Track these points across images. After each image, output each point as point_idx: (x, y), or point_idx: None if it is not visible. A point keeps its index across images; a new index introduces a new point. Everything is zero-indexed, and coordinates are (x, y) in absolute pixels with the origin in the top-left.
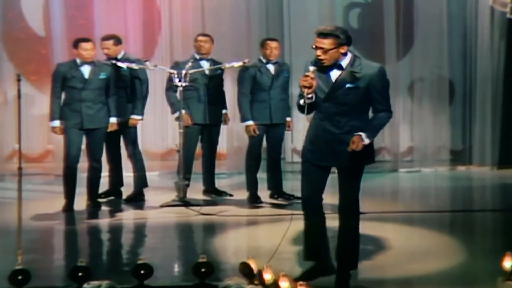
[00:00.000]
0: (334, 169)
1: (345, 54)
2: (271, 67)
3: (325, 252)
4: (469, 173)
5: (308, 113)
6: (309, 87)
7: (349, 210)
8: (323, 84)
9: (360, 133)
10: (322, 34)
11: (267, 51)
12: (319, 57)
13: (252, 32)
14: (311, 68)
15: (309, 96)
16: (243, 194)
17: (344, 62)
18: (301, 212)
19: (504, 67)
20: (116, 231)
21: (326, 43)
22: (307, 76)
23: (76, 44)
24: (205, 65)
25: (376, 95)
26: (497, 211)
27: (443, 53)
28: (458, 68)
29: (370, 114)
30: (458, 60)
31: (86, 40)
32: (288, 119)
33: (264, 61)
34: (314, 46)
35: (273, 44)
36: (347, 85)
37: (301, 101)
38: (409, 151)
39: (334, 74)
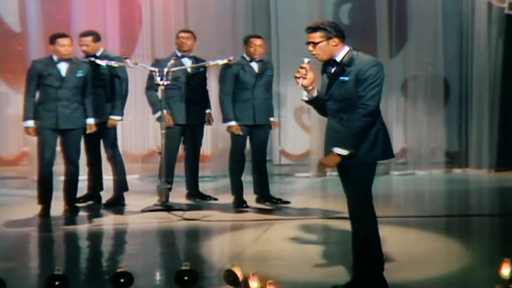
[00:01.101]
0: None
1: (340, 48)
2: (255, 65)
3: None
4: (466, 176)
5: (320, 113)
6: (303, 79)
7: (356, 212)
8: (326, 81)
9: (333, 149)
10: (310, 29)
11: (251, 48)
12: (311, 52)
13: (238, 29)
14: (306, 60)
15: (309, 88)
16: (228, 198)
17: (339, 57)
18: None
19: (502, 65)
20: (95, 237)
21: (314, 36)
22: (301, 67)
23: (52, 40)
24: (187, 62)
25: (360, 88)
26: (495, 216)
27: (438, 51)
28: (453, 66)
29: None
30: (454, 57)
31: (63, 35)
32: (272, 119)
33: (248, 59)
34: (307, 42)
35: (258, 42)
36: (339, 79)
37: (303, 97)
38: (403, 153)
39: (332, 70)
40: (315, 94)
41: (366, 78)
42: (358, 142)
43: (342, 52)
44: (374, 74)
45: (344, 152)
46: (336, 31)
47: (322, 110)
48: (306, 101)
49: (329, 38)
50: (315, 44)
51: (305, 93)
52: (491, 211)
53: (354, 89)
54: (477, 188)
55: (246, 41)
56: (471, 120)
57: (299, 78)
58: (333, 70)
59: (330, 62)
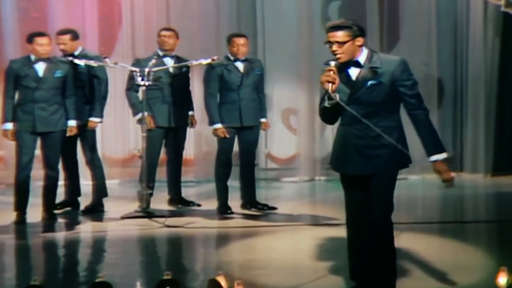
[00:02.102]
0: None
1: (361, 48)
2: (240, 65)
3: (368, 273)
4: (460, 181)
5: (334, 120)
6: (332, 83)
7: (381, 224)
8: (343, 85)
9: (433, 158)
10: (334, 27)
11: (233, 48)
12: (335, 52)
13: (222, 27)
14: (332, 63)
15: (333, 95)
16: (212, 204)
17: (362, 58)
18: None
19: (498, 65)
20: (72, 245)
21: (340, 35)
22: (330, 70)
23: (30, 38)
24: (169, 62)
25: (403, 89)
26: (491, 222)
27: (431, 50)
28: (448, 66)
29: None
30: (448, 57)
31: (41, 34)
32: (262, 120)
33: (232, 58)
34: (327, 41)
35: (240, 41)
36: (369, 83)
37: (326, 103)
38: None
39: (353, 72)
40: (338, 98)
41: (405, 76)
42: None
43: (363, 53)
44: (409, 71)
45: (443, 156)
46: (360, 30)
47: (336, 117)
48: (326, 108)
49: (354, 37)
50: (340, 43)
51: (327, 99)
52: (487, 218)
53: (390, 91)
54: (472, 194)
55: (229, 40)
56: (466, 122)
57: (329, 82)
58: (356, 72)
59: (349, 64)
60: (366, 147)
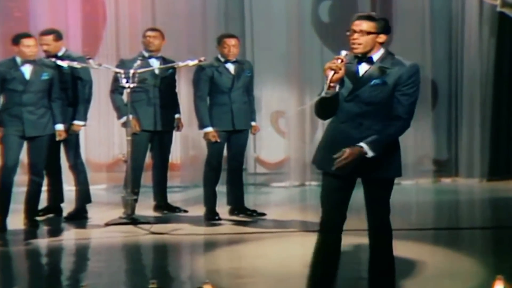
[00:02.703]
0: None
1: (379, 47)
2: (231, 67)
3: (334, 281)
4: (455, 186)
5: (328, 114)
6: (336, 72)
7: (382, 230)
8: (348, 80)
9: (362, 144)
10: (363, 17)
11: (224, 49)
12: (355, 41)
13: (209, 27)
14: (343, 52)
15: (332, 85)
16: (199, 210)
17: (376, 56)
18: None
19: (494, 67)
20: (55, 253)
21: (367, 25)
22: (338, 58)
23: (16, 40)
24: (155, 63)
25: (399, 95)
26: (487, 228)
27: (425, 51)
28: (442, 68)
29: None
30: (442, 59)
31: (28, 35)
32: (253, 123)
33: (222, 60)
34: (351, 29)
35: (232, 42)
36: (374, 81)
37: (323, 93)
38: None
39: (363, 69)
40: (336, 90)
41: (410, 83)
42: (384, 150)
43: (379, 52)
44: (417, 79)
45: (370, 153)
46: (387, 28)
47: (330, 112)
48: (323, 99)
49: (379, 32)
50: (363, 33)
51: (325, 88)
52: (483, 224)
53: (390, 94)
54: (467, 199)
55: (220, 41)
56: (461, 125)
57: (331, 70)
58: (364, 69)
59: (362, 60)
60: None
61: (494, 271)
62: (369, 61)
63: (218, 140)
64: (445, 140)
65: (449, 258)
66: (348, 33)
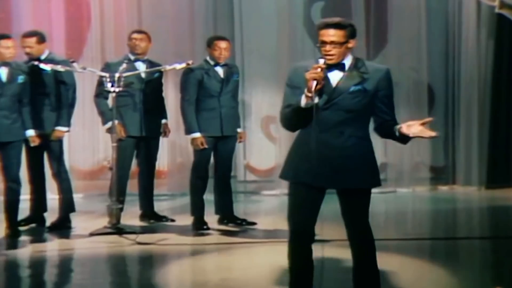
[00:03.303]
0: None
1: (349, 51)
2: (220, 70)
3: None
4: (453, 194)
5: (302, 125)
6: (318, 83)
7: (366, 240)
8: (322, 88)
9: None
10: (333, 25)
11: (215, 52)
12: (329, 53)
13: (197, 29)
14: (321, 60)
15: (310, 95)
16: (186, 219)
17: (347, 62)
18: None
19: (492, 70)
20: (37, 265)
21: (338, 35)
22: (318, 67)
23: None
24: (141, 67)
25: (385, 101)
26: (486, 238)
27: (421, 54)
28: (438, 71)
29: None
30: (439, 62)
31: (6, 36)
32: (239, 130)
33: (212, 63)
34: (322, 40)
35: (223, 44)
36: (353, 88)
37: (303, 103)
38: (382, 168)
39: (335, 76)
40: (316, 100)
41: (390, 88)
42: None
43: (349, 57)
44: (392, 83)
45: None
46: (354, 31)
47: (304, 122)
48: (300, 110)
49: (349, 39)
50: (335, 44)
51: (304, 99)
52: (482, 234)
53: (372, 99)
54: (465, 208)
55: (210, 43)
56: (458, 131)
57: (314, 80)
58: (337, 76)
59: (330, 66)
60: (337, 158)
61: (493, 283)
62: (341, 67)
63: (206, 146)
64: (442, 146)
65: (446, 269)
66: (318, 45)
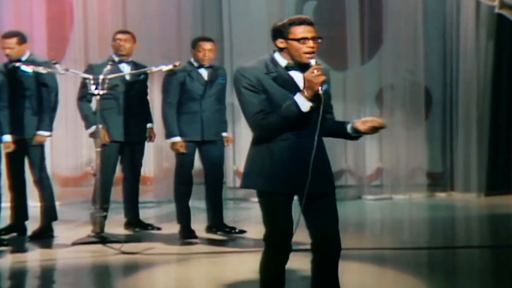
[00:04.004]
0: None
1: None
2: (204, 72)
3: None
4: (451, 201)
5: (286, 131)
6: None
7: (337, 247)
8: (290, 91)
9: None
10: (307, 22)
11: (199, 53)
12: (312, 51)
13: (184, 29)
14: (313, 61)
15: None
16: (173, 227)
17: (313, 61)
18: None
19: (492, 72)
20: (18, 276)
21: (314, 32)
22: (318, 68)
23: None
24: (126, 68)
25: (330, 98)
26: (485, 247)
27: (418, 56)
28: (436, 74)
29: None
30: (436, 63)
31: None
32: (224, 134)
33: (196, 64)
34: (303, 37)
35: (207, 46)
36: (325, 87)
37: (308, 107)
38: (378, 174)
39: (298, 76)
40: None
41: (330, 84)
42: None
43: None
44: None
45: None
46: None
47: (292, 128)
48: (302, 114)
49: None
50: (316, 40)
51: (307, 103)
52: (481, 243)
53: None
54: (464, 215)
55: (194, 44)
56: (456, 135)
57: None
58: (300, 77)
59: (291, 67)
60: (319, 162)
61: None
62: (307, 67)
63: (184, 151)
64: (440, 151)
65: (445, 279)
66: (300, 41)
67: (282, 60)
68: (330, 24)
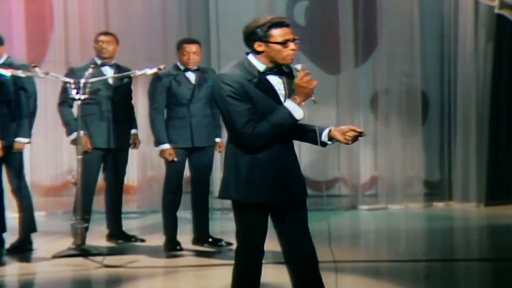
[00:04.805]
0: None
1: None
2: (191, 75)
3: None
4: (449, 211)
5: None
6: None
7: (315, 258)
8: (270, 97)
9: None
10: (286, 24)
11: (184, 56)
12: (292, 54)
13: (169, 30)
14: (299, 66)
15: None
16: (158, 239)
17: (299, 64)
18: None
19: (492, 75)
20: None
21: (293, 33)
22: (307, 73)
23: None
24: (109, 72)
25: None
26: (485, 260)
27: (414, 58)
28: (433, 77)
29: None
30: (434, 66)
31: None
32: (217, 140)
33: (182, 68)
34: (286, 39)
35: (192, 48)
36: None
37: (297, 114)
38: (372, 182)
39: (277, 80)
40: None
41: None
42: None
43: None
44: None
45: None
46: None
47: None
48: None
49: None
50: (296, 42)
51: (300, 110)
52: (481, 255)
53: None
54: (463, 226)
55: (179, 47)
56: (455, 142)
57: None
58: (279, 81)
59: (270, 70)
60: (297, 168)
61: None
62: (289, 71)
63: (175, 159)
64: (437, 159)
65: None
66: (283, 45)
67: (260, 65)
68: (322, 25)
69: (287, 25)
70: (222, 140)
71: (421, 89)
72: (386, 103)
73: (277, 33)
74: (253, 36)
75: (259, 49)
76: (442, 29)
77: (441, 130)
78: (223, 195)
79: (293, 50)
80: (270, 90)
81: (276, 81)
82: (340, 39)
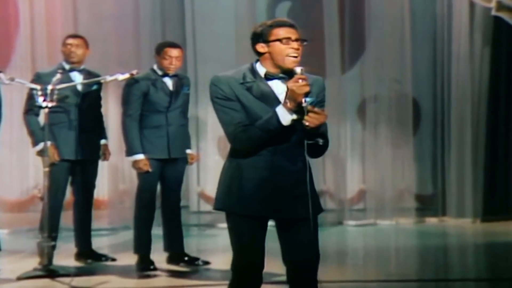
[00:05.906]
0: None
1: None
2: (169, 81)
3: None
4: (443, 228)
5: (263, 147)
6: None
7: (315, 279)
8: (267, 104)
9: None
10: (289, 24)
11: (165, 61)
12: (296, 54)
13: (142, 33)
14: (298, 69)
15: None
16: (130, 258)
17: (299, 67)
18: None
19: (489, 82)
20: None
21: (298, 33)
22: (301, 78)
23: None
24: (77, 78)
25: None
26: (482, 280)
27: (404, 64)
28: (425, 83)
29: None
30: (426, 72)
31: None
32: (189, 151)
33: (160, 73)
34: (286, 37)
35: (175, 53)
36: (313, 99)
37: (293, 116)
38: (360, 196)
39: (279, 86)
40: (294, 116)
41: (324, 98)
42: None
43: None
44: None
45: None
46: None
47: (272, 141)
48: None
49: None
50: (300, 42)
51: (288, 115)
52: (477, 275)
53: None
54: (458, 244)
55: (159, 50)
56: (449, 153)
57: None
58: (280, 87)
59: (271, 75)
60: (294, 183)
61: None
62: (291, 76)
63: (150, 170)
64: (430, 171)
65: None
66: (283, 41)
67: (261, 69)
68: (306, 27)
69: (290, 26)
70: (193, 151)
71: (412, 96)
72: (374, 111)
73: (278, 32)
74: (256, 37)
75: (261, 50)
76: (435, 32)
77: (433, 140)
78: (215, 206)
79: (294, 49)
80: (267, 96)
81: (281, 89)
82: (325, 43)
